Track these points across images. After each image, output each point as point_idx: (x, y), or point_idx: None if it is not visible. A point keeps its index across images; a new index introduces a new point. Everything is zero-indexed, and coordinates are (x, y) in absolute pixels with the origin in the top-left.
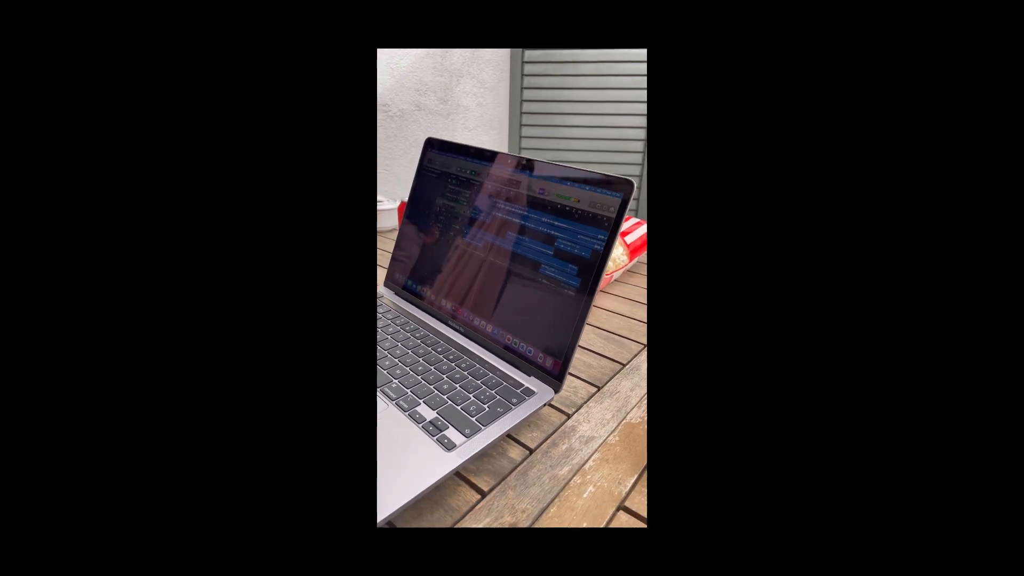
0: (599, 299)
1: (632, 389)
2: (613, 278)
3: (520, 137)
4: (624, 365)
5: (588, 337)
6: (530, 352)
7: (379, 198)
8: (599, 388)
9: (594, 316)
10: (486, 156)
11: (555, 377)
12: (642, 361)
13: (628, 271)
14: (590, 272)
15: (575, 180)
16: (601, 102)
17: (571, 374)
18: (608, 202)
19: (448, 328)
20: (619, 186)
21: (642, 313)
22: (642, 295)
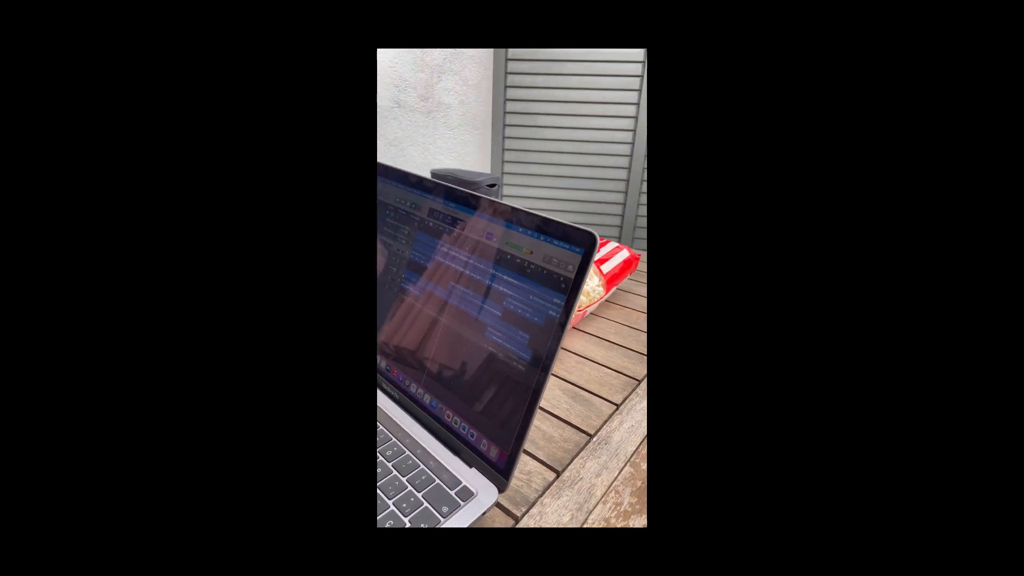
0: (568, 340)
1: (598, 474)
2: (587, 313)
3: (504, 137)
4: (592, 437)
5: (552, 394)
6: (472, 436)
7: None
8: (558, 474)
9: (561, 364)
10: (427, 187)
11: (500, 472)
12: (614, 429)
13: (605, 302)
14: (544, 343)
15: (528, 227)
16: (588, 103)
17: (526, 452)
18: (566, 258)
19: (380, 394)
20: (580, 240)
21: (618, 358)
22: (619, 333)
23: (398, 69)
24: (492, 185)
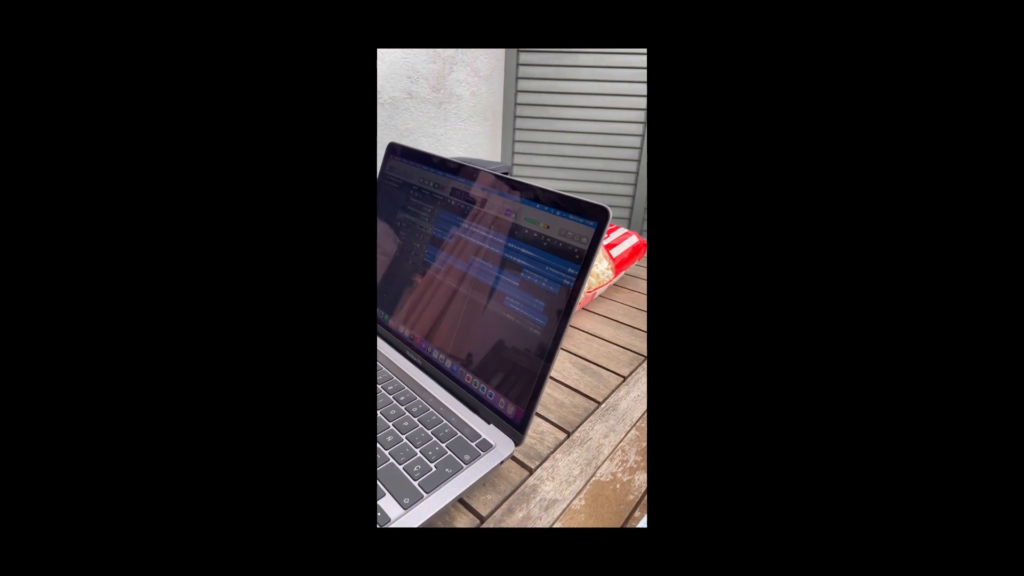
0: (578, 319)
1: (606, 435)
2: (596, 295)
3: (514, 129)
4: (600, 404)
5: (563, 366)
6: (490, 396)
7: None
8: (569, 434)
9: (571, 340)
10: (450, 168)
11: (516, 427)
12: (621, 398)
13: (614, 286)
14: (558, 310)
15: (545, 203)
16: (598, 95)
17: (539, 415)
18: (580, 232)
19: (405, 360)
20: (593, 213)
21: (625, 336)
22: (627, 314)
23: (411, 61)
24: (506, 173)
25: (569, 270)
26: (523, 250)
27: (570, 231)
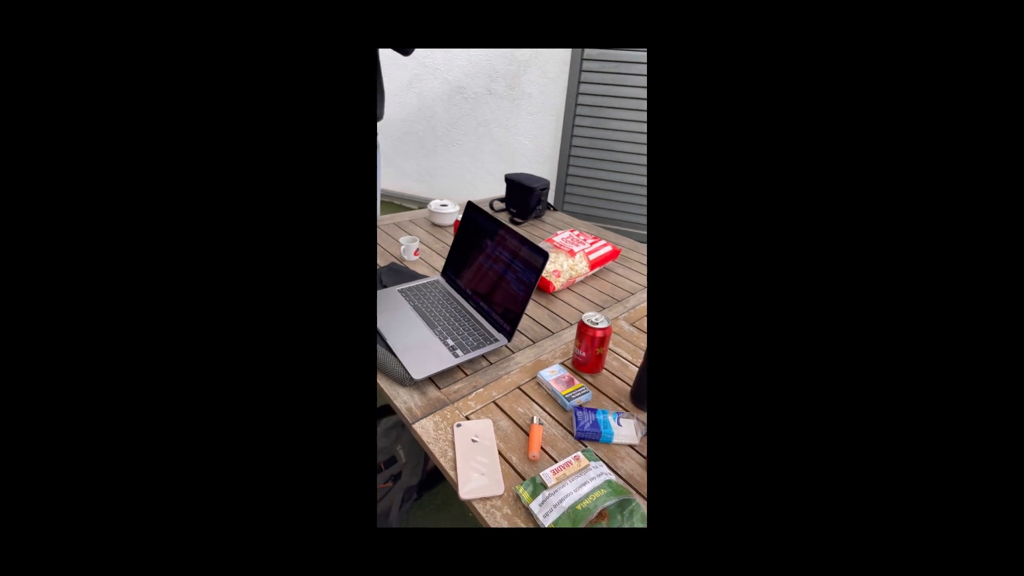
0: (563, 295)
1: (551, 349)
2: (575, 282)
3: (573, 126)
4: (553, 334)
5: (537, 312)
6: (497, 316)
7: (444, 201)
8: (534, 342)
9: (555, 304)
10: (493, 221)
11: (507, 333)
12: (567, 332)
13: (593, 276)
14: (528, 285)
15: (529, 246)
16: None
17: (520, 331)
18: (540, 259)
19: (467, 302)
20: (543, 254)
21: (587, 306)
22: (596, 295)
23: (492, 62)
24: (544, 189)
25: (532, 276)
26: (518, 261)
27: (536, 259)
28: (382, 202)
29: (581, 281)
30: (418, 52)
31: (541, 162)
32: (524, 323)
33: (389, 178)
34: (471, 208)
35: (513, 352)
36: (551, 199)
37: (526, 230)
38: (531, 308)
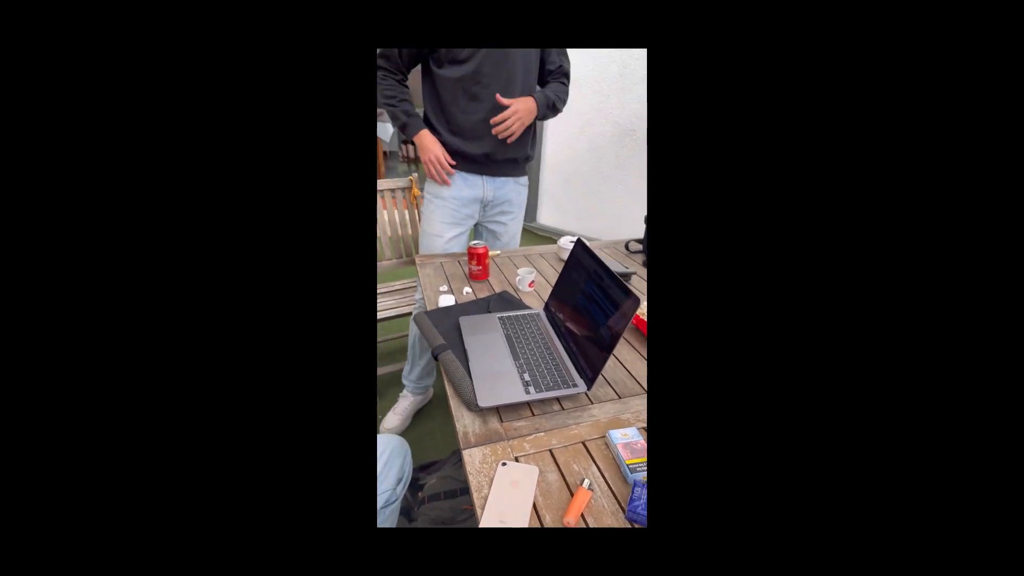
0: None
1: (636, 410)
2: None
3: None
4: (645, 393)
5: (637, 366)
6: (581, 358)
7: (573, 237)
8: (619, 397)
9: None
10: (595, 260)
11: (589, 380)
12: None
13: None
14: (616, 332)
15: (623, 290)
16: None
17: (608, 382)
18: (628, 306)
19: (559, 340)
20: (634, 297)
21: None
22: None
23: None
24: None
25: (622, 319)
26: (609, 303)
27: (628, 303)
28: (524, 230)
29: None
30: (593, 96)
31: None
32: (617, 375)
33: (549, 214)
34: (579, 245)
35: (592, 403)
36: None
37: None
38: (630, 360)
